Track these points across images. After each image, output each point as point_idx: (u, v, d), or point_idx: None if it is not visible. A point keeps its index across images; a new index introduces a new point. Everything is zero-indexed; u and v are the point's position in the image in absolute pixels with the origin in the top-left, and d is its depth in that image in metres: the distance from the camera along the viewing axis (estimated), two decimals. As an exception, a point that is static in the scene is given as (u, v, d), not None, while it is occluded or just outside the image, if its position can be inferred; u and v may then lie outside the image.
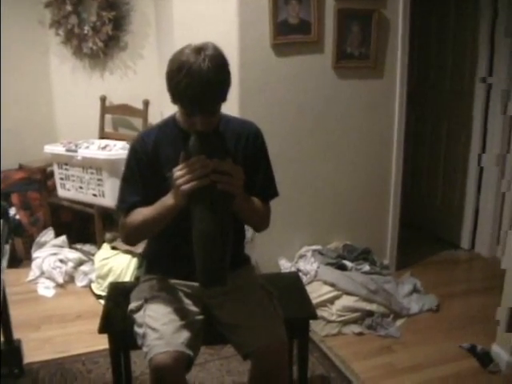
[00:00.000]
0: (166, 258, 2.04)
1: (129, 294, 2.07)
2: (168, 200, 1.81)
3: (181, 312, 1.88)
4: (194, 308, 1.94)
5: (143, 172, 1.92)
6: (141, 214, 1.88)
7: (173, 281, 2.00)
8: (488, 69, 4.08)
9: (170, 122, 1.97)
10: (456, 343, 2.99)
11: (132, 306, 1.97)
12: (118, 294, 2.23)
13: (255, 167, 1.99)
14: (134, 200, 1.92)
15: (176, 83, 1.69)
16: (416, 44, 4.39)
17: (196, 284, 1.88)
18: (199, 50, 1.70)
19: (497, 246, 4.25)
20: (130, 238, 2.00)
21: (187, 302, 1.95)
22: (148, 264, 2.13)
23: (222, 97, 1.76)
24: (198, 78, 1.65)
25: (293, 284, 2.42)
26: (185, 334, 1.80)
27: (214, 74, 1.67)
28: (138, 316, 1.91)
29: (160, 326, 1.80)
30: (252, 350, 1.82)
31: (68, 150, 3.81)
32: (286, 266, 3.57)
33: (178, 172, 1.73)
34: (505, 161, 4.01)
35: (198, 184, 1.70)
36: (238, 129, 2.00)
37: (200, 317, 1.93)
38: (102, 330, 2.04)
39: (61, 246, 3.97)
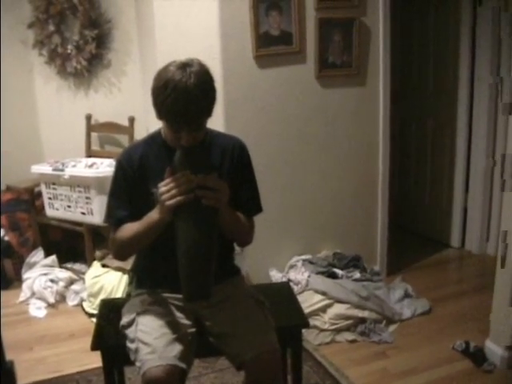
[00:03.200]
0: (156, 271, 2.04)
1: (120, 310, 2.06)
2: (153, 215, 1.82)
3: (172, 325, 1.88)
4: (185, 321, 1.94)
5: (130, 186, 1.93)
6: (129, 229, 1.90)
7: (163, 294, 2.00)
8: (471, 69, 4.15)
9: (156, 137, 1.98)
10: (449, 345, 3.01)
11: (123, 321, 1.97)
12: (110, 311, 2.22)
13: (240, 182, 2.01)
14: (122, 215, 1.93)
15: (162, 100, 1.71)
16: (398, 45, 4.43)
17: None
18: (184, 66, 1.72)
19: (486, 243, 4.33)
20: (119, 253, 2.02)
21: (179, 315, 1.95)
22: (138, 279, 2.13)
23: (208, 112, 1.78)
24: (184, 94, 1.67)
25: (284, 294, 2.42)
26: (177, 347, 1.80)
27: (199, 91, 1.69)
28: (129, 331, 1.90)
29: (152, 340, 1.80)
30: (245, 360, 1.82)
31: (55, 170, 3.80)
32: (276, 276, 3.57)
33: (163, 187, 1.74)
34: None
35: (182, 199, 1.72)
36: (223, 144, 2.02)
37: (192, 329, 1.93)
38: (94, 347, 2.03)
39: (51, 266, 3.94)
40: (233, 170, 1.99)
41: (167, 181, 1.74)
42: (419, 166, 4.82)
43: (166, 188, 1.73)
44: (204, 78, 1.73)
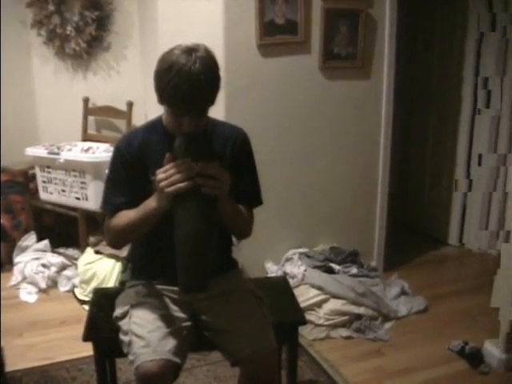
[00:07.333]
0: (152, 263, 1.98)
1: (114, 300, 2.02)
2: (151, 203, 1.76)
3: (167, 318, 1.83)
4: (181, 314, 1.89)
5: (128, 173, 1.87)
6: (125, 216, 1.84)
7: (159, 286, 1.95)
8: (475, 67, 4.10)
9: (157, 124, 1.92)
10: (446, 345, 2.97)
11: (117, 312, 1.92)
12: (103, 300, 2.17)
13: (241, 173, 1.95)
14: (119, 202, 1.87)
15: (164, 83, 1.64)
16: (403, 41, 4.38)
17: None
18: (190, 50, 1.65)
19: (485, 242, 4.29)
20: (114, 241, 1.95)
21: (174, 308, 1.90)
22: (133, 269, 2.08)
23: (211, 99, 1.72)
24: (188, 79, 1.61)
25: (281, 288, 2.38)
26: (172, 342, 1.76)
27: (204, 77, 1.63)
28: (123, 323, 1.86)
29: (146, 334, 1.76)
30: (241, 357, 1.78)
31: (50, 153, 3.74)
32: (272, 269, 3.53)
33: (162, 174, 1.68)
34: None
35: (181, 187, 1.65)
36: (225, 133, 1.96)
37: (187, 323, 1.89)
38: (86, 338, 1.99)
39: (43, 251, 3.89)
40: (234, 161, 1.93)
41: (166, 167, 1.68)
42: (419, 161, 4.78)
43: (165, 175, 1.67)
44: (209, 65, 1.67)
